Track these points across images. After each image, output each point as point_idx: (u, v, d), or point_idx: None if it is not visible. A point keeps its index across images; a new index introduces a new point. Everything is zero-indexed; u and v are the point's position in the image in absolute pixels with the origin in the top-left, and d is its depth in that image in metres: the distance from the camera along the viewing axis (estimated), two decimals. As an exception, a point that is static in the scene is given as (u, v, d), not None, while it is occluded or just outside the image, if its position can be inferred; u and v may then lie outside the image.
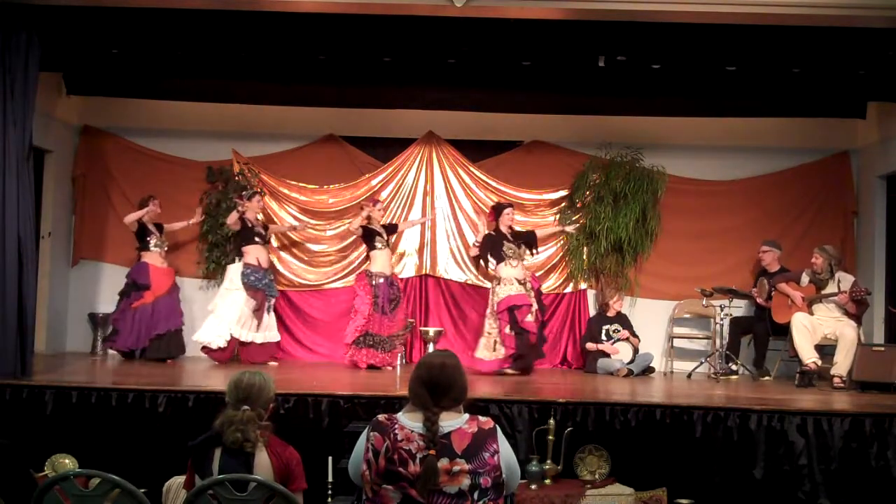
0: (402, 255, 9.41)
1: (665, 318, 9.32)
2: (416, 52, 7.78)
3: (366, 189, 9.41)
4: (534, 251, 8.76)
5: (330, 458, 4.83)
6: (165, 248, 8.90)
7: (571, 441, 5.69)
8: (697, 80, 8.27)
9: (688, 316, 9.35)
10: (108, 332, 8.73)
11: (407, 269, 9.40)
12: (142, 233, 8.74)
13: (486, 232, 8.59)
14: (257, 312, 8.48)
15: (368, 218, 8.73)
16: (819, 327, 7.70)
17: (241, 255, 8.68)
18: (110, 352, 9.11)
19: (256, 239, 8.63)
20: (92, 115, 9.45)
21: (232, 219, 8.56)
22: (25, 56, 6.60)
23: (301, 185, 9.45)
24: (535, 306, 8.25)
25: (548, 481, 5.56)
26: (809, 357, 7.56)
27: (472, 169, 9.43)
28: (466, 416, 2.98)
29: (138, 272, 8.65)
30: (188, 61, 8.19)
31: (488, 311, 8.35)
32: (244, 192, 8.86)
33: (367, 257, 8.83)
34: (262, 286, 8.53)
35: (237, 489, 3.28)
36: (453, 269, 9.40)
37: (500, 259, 8.32)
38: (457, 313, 9.33)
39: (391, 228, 8.96)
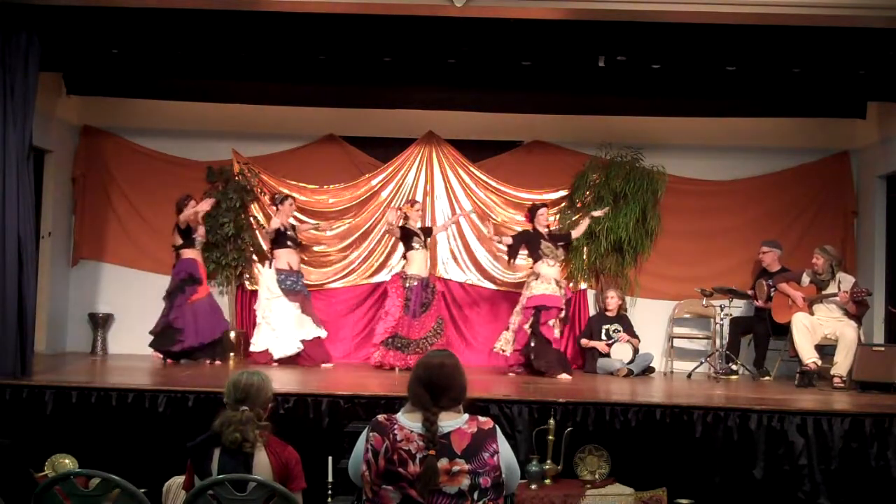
0: (402, 256, 9.40)
1: (665, 318, 9.32)
2: (416, 52, 7.77)
3: (366, 189, 9.41)
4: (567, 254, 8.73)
5: (330, 458, 4.83)
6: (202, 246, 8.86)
7: (571, 441, 5.69)
8: (697, 80, 8.26)
9: (688, 316, 9.36)
10: (164, 333, 8.42)
11: (407, 269, 9.40)
12: (187, 230, 8.65)
13: (522, 229, 8.62)
14: (308, 311, 8.49)
15: (406, 218, 8.70)
16: (819, 327, 7.70)
17: (261, 259, 8.74)
18: (109, 352, 9.13)
19: (289, 243, 8.59)
20: (92, 115, 9.45)
21: (274, 225, 8.53)
22: (25, 56, 6.60)
23: (301, 185, 9.45)
24: (563, 313, 8.20)
25: (548, 481, 5.56)
26: (809, 357, 7.56)
27: (472, 169, 9.43)
28: (466, 416, 2.98)
29: (191, 266, 8.49)
30: (188, 61, 8.18)
31: (518, 306, 8.29)
32: (275, 197, 8.83)
33: (404, 257, 8.76)
34: (300, 288, 8.51)
35: (237, 489, 3.28)
36: (453, 269, 9.40)
37: (537, 257, 8.26)
38: (457, 313, 9.33)
39: (426, 231, 8.87)
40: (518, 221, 9.00)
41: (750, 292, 8.62)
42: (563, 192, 9.35)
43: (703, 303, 8.45)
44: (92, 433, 5.93)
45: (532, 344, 8.00)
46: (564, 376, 7.82)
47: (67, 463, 5.27)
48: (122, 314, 9.32)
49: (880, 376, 7.27)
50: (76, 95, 9.23)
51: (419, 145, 9.47)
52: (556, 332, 8.08)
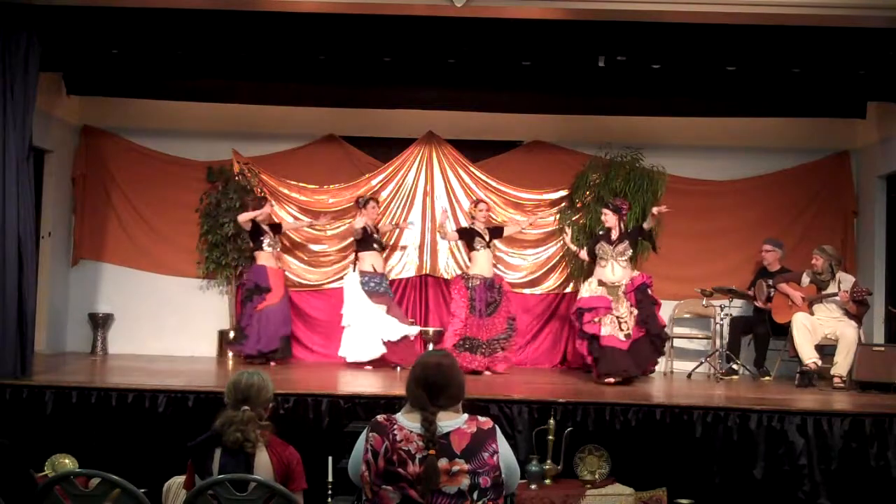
0: (401, 256, 9.41)
1: (665, 318, 9.28)
2: (416, 52, 7.78)
3: (366, 189, 9.40)
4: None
5: (330, 458, 4.83)
6: (278, 249, 8.85)
7: (571, 441, 5.69)
8: (697, 80, 8.27)
9: (688, 316, 9.35)
10: (237, 333, 8.55)
11: (407, 270, 9.40)
12: (255, 232, 8.67)
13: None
14: (393, 311, 8.46)
15: (473, 218, 8.67)
16: (819, 327, 7.70)
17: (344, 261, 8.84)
18: (109, 352, 9.14)
19: (374, 245, 8.58)
20: (92, 115, 9.45)
21: (358, 225, 8.55)
22: (25, 56, 6.60)
23: (301, 185, 9.45)
24: (622, 311, 7.68)
25: (548, 481, 5.56)
26: (809, 357, 7.56)
27: (472, 169, 9.43)
28: (465, 416, 2.98)
29: (258, 275, 8.55)
30: (188, 61, 8.18)
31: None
32: (359, 200, 8.82)
33: (470, 258, 8.68)
34: (383, 290, 8.50)
35: (237, 489, 3.28)
36: (453, 268, 9.39)
37: (592, 257, 8.18)
38: (457, 313, 9.32)
39: (494, 232, 8.76)
40: (519, 222, 8.97)
41: (749, 292, 8.61)
42: (563, 192, 9.34)
43: (703, 303, 8.45)
44: (92, 433, 5.93)
45: (592, 348, 7.71)
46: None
47: (67, 463, 5.27)
48: (122, 314, 9.32)
49: (880, 376, 7.28)
50: (76, 95, 9.23)
51: (419, 145, 9.47)
52: (598, 319, 7.61)
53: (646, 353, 7.68)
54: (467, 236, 8.60)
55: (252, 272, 8.65)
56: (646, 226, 8.15)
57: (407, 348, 8.39)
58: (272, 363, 8.40)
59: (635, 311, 7.69)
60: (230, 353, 8.73)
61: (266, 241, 8.67)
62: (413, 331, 8.51)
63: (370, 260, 8.55)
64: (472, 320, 8.23)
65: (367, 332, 8.30)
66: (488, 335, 8.24)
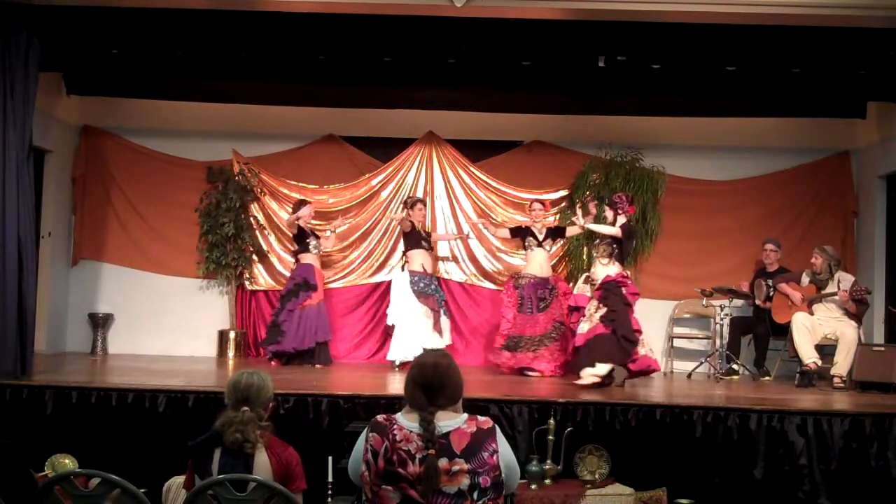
0: (402, 255, 9.41)
1: (665, 318, 9.32)
2: (416, 51, 7.77)
3: (366, 189, 9.41)
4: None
5: (330, 458, 4.82)
6: (320, 252, 8.84)
7: (571, 441, 5.69)
8: (697, 80, 8.26)
9: (688, 316, 9.36)
10: (271, 331, 8.50)
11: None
12: (301, 235, 8.67)
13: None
14: (434, 315, 8.40)
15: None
16: (819, 327, 7.70)
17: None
18: (109, 352, 9.14)
19: (423, 244, 8.55)
20: (92, 115, 9.45)
21: (405, 226, 8.56)
22: (25, 56, 6.60)
23: (301, 185, 9.45)
24: (591, 308, 7.43)
25: (548, 481, 5.56)
26: (809, 357, 7.56)
27: (472, 169, 9.43)
28: (465, 415, 2.98)
29: (307, 272, 8.54)
30: (188, 61, 8.18)
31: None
32: (407, 200, 8.82)
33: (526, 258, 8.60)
34: (432, 291, 8.44)
35: (237, 489, 3.28)
36: (453, 269, 9.39)
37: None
38: (457, 313, 9.31)
39: (557, 231, 8.65)
40: (519, 222, 8.96)
41: (745, 290, 8.60)
42: (563, 192, 9.34)
43: (703, 303, 8.45)
44: (92, 433, 5.93)
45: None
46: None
47: (67, 463, 5.27)
48: (122, 314, 9.32)
49: (880, 376, 7.28)
50: (76, 95, 9.23)
51: (419, 145, 9.47)
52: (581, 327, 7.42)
53: (605, 350, 7.18)
54: (520, 235, 8.51)
55: (300, 269, 8.63)
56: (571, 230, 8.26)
57: None
58: (317, 366, 8.33)
59: (602, 309, 7.33)
60: (267, 355, 8.53)
61: (312, 243, 8.67)
62: (446, 341, 8.44)
63: (420, 259, 8.51)
64: (521, 318, 8.12)
65: (414, 333, 8.24)
66: (532, 331, 8.07)
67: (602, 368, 7.12)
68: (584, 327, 7.35)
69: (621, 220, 7.59)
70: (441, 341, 8.34)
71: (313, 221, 9.34)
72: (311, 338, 8.39)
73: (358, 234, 9.41)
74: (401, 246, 9.25)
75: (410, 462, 2.85)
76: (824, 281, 7.87)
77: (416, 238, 8.58)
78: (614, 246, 7.54)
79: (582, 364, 7.23)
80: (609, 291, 7.34)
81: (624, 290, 7.35)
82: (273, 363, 8.31)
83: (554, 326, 8.13)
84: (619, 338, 7.14)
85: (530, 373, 7.98)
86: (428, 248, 8.66)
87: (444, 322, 8.50)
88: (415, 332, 8.24)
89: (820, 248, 7.96)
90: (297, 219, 8.62)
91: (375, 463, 2.88)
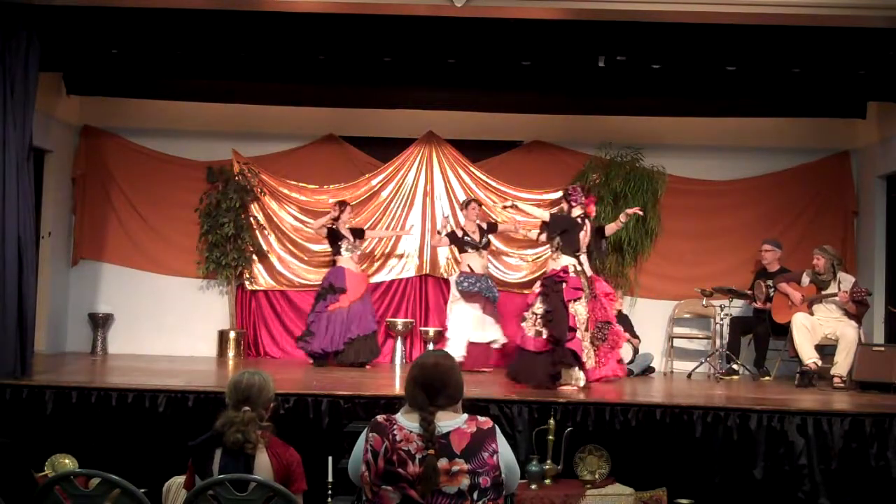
0: (401, 256, 9.41)
1: (665, 318, 9.32)
2: (416, 52, 7.77)
3: (366, 189, 9.41)
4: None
5: (330, 458, 4.82)
6: (359, 253, 8.81)
7: (571, 441, 5.69)
8: (697, 80, 8.26)
9: (688, 316, 9.35)
10: (305, 333, 8.53)
11: (407, 270, 9.40)
12: (333, 238, 8.67)
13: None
14: (488, 312, 8.42)
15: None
16: (819, 327, 7.70)
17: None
18: (109, 352, 9.14)
19: (468, 248, 8.53)
20: (92, 115, 9.45)
21: (444, 242, 8.68)
22: (25, 56, 6.60)
23: (301, 185, 9.46)
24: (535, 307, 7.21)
25: (548, 481, 5.55)
26: (809, 357, 7.56)
27: (472, 169, 9.43)
28: (465, 415, 2.98)
29: (335, 275, 8.56)
30: (188, 61, 8.18)
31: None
32: (463, 202, 8.83)
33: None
34: (478, 289, 8.39)
35: (237, 489, 3.28)
36: (454, 269, 9.38)
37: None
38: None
39: (490, 227, 8.70)
40: (519, 222, 8.94)
41: (748, 292, 8.61)
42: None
43: (703, 303, 8.45)
44: (92, 433, 5.93)
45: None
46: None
47: (67, 463, 5.26)
48: (122, 314, 9.32)
49: (880, 376, 7.27)
50: (76, 95, 9.24)
51: (419, 145, 9.47)
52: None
53: (530, 372, 6.86)
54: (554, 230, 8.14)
55: (330, 272, 8.66)
56: (609, 228, 7.89)
57: (482, 353, 8.34)
58: (367, 367, 8.37)
59: (542, 307, 7.03)
60: (307, 356, 8.54)
61: (344, 245, 8.65)
62: (500, 339, 8.44)
63: (468, 260, 8.54)
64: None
65: (455, 331, 8.29)
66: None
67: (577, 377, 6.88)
68: (525, 326, 7.10)
69: (576, 212, 7.36)
70: (487, 334, 8.35)
71: (312, 220, 9.36)
72: (339, 340, 8.35)
73: (358, 234, 9.41)
74: (400, 247, 9.26)
75: (410, 462, 2.85)
76: (826, 281, 7.86)
77: (459, 242, 8.62)
78: (555, 238, 7.24)
79: (511, 373, 7.05)
80: (548, 288, 7.04)
81: (564, 286, 6.95)
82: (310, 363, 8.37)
83: (598, 327, 7.43)
84: (555, 354, 6.81)
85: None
86: (475, 250, 8.57)
87: (490, 319, 8.45)
88: (462, 330, 8.25)
89: (821, 249, 7.95)
90: (324, 223, 8.63)
91: (375, 463, 2.88)
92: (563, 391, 6.69)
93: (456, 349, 8.10)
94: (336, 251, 8.69)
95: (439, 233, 8.83)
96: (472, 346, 8.29)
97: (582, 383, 6.88)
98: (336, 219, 8.68)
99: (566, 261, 7.12)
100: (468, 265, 8.52)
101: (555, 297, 6.94)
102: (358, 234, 8.86)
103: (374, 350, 8.64)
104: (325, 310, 8.42)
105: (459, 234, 8.64)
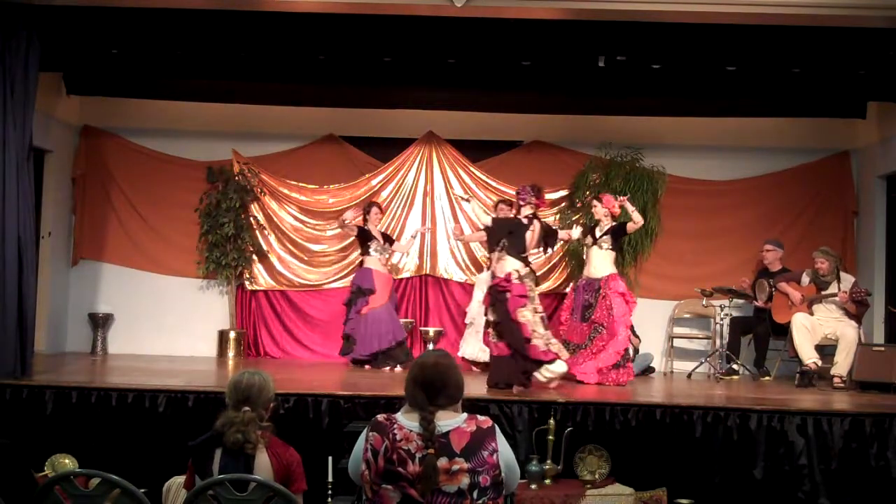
0: (402, 256, 9.41)
1: (665, 318, 9.32)
2: (416, 52, 7.77)
3: (366, 189, 9.41)
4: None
5: (330, 458, 4.82)
6: (387, 255, 8.74)
7: (571, 441, 5.69)
8: (697, 80, 8.26)
9: (688, 316, 9.36)
10: (346, 340, 8.43)
11: (406, 269, 9.40)
12: (363, 238, 8.62)
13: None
14: None
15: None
16: (819, 327, 7.70)
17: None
18: (109, 352, 9.15)
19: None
20: (92, 115, 9.45)
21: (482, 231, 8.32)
22: (25, 56, 6.60)
23: (301, 185, 9.46)
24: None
25: (548, 481, 5.55)
26: (809, 357, 7.56)
27: (472, 169, 9.43)
28: (465, 415, 2.98)
29: (362, 277, 8.49)
30: (188, 61, 8.18)
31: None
32: (498, 204, 8.71)
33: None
34: None
35: (237, 489, 3.28)
36: (453, 268, 9.40)
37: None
38: (457, 313, 9.31)
39: (618, 230, 7.89)
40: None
41: (748, 290, 8.60)
42: (563, 192, 9.34)
43: (703, 303, 8.45)
44: (92, 433, 5.93)
45: None
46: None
47: (67, 463, 5.26)
48: (122, 314, 9.32)
49: (880, 376, 7.28)
50: (76, 95, 9.24)
51: (419, 145, 9.47)
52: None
53: (506, 373, 6.73)
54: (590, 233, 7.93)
55: (357, 275, 8.62)
56: (630, 227, 7.76)
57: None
58: (388, 369, 8.23)
59: (492, 317, 6.91)
60: (350, 362, 8.44)
61: (373, 246, 8.58)
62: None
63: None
64: (571, 324, 7.74)
65: (481, 332, 8.07)
66: (578, 339, 7.62)
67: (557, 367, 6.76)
68: (489, 332, 6.99)
69: (525, 211, 7.20)
70: None
71: (312, 220, 9.37)
72: (381, 340, 8.27)
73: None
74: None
75: (410, 461, 2.85)
76: (828, 283, 7.86)
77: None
78: (500, 239, 7.06)
79: (490, 381, 6.81)
80: (494, 297, 6.87)
81: (508, 296, 6.72)
82: (366, 367, 8.29)
83: (591, 332, 7.48)
84: (518, 358, 6.67)
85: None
86: None
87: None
88: (482, 330, 7.95)
89: (822, 252, 7.93)
90: (344, 224, 8.53)
91: (375, 462, 2.88)
92: (544, 386, 6.68)
93: (480, 347, 8.03)
94: (365, 251, 8.63)
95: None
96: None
97: (560, 370, 6.74)
98: (364, 219, 8.59)
99: (511, 266, 6.89)
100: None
101: (500, 307, 6.76)
102: (387, 238, 8.81)
103: (408, 354, 8.43)
104: (359, 314, 8.34)
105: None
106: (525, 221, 7.18)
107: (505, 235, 7.05)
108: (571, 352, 7.48)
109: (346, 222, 8.57)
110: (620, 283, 7.62)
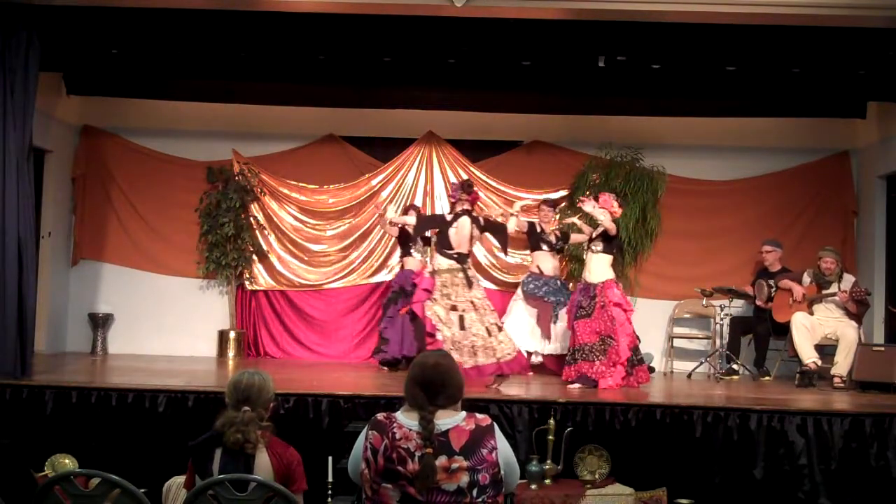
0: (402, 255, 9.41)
1: (665, 318, 9.31)
2: (416, 52, 7.78)
3: (366, 189, 9.42)
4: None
5: (330, 458, 4.83)
6: (428, 257, 8.61)
7: (571, 441, 5.69)
8: (697, 80, 8.26)
9: (688, 316, 9.35)
10: (379, 341, 8.36)
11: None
12: (403, 238, 8.58)
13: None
14: (541, 322, 8.08)
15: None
16: (819, 327, 7.70)
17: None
18: (109, 352, 9.15)
19: (543, 247, 8.26)
20: (92, 115, 9.45)
21: (521, 226, 8.23)
22: (25, 56, 6.60)
23: (301, 185, 9.46)
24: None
25: (548, 481, 5.55)
26: (809, 357, 7.56)
27: (472, 169, 9.43)
28: (464, 413, 2.99)
29: (404, 278, 8.43)
30: (188, 61, 8.18)
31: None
32: (539, 202, 8.70)
33: None
34: (542, 294, 8.12)
35: (237, 489, 3.28)
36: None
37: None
38: (457, 313, 9.30)
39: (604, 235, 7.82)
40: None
41: (749, 290, 8.60)
42: (563, 192, 9.34)
43: (703, 303, 8.45)
44: (92, 433, 5.93)
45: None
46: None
47: (67, 463, 5.26)
48: (122, 314, 9.32)
49: (880, 376, 7.28)
50: (76, 95, 9.23)
51: (419, 145, 9.48)
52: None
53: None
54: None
55: (399, 276, 8.59)
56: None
57: (558, 362, 7.84)
58: None
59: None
60: (379, 364, 8.35)
61: (414, 247, 8.56)
62: (540, 354, 8.11)
63: (538, 261, 8.30)
64: (580, 324, 7.29)
65: (514, 334, 7.70)
66: (574, 342, 7.34)
67: None
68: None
69: (459, 208, 7.18)
70: (545, 346, 8.07)
71: (312, 220, 9.37)
72: (411, 345, 8.11)
73: (358, 234, 9.41)
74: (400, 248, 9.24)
75: (410, 460, 2.85)
76: (830, 282, 7.86)
77: (536, 238, 8.35)
78: (420, 235, 7.37)
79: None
80: (410, 290, 7.20)
81: (416, 289, 7.01)
82: (386, 370, 8.20)
83: (601, 339, 7.22)
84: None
85: (574, 386, 7.11)
86: (550, 250, 8.34)
87: (555, 328, 8.08)
88: (515, 333, 7.76)
89: (829, 251, 7.92)
90: (387, 223, 8.50)
91: (375, 461, 2.88)
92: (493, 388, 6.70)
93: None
94: (405, 252, 8.60)
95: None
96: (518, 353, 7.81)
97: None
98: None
99: (437, 261, 7.06)
100: (538, 266, 8.27)
101: (409, 299, 7.00)
102: (427, 240, 8.70)
103: None
104: (397, 314, 8.27)
105: (538, 228, 8.31)
106: (449, 218, 7.21)
107: (427, 231, 7.36)
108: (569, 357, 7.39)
109: (390, 222, 8.49)
110: (616, 291, 7.39)
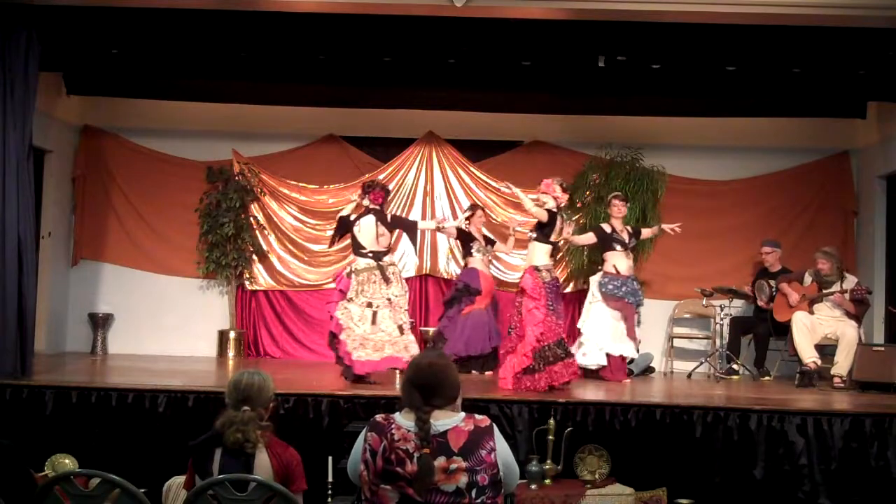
0: (402, 256, 9.40)
1: (665, 318, 9.32)
2: (416, 52, 7.78)
3: (367, 189, 9.41)
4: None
5: (330, 458, 4.83)
6: (489, 257, 8.67)
7: (571, 441, 5.69)
8: (697, 80, 8.26)
9: (688, 316, 9.35)
10: (438, 339, 8.29)
11: (407, 269, 9.38)
12: (464, 239, 8.54)
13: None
14: (627, 324, 7.85)
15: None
16: (819, 327, 7.70)
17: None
18: (109, 352, 9.14)
19: (616, 247, 8.02)
20: (92, 115, 9.45)
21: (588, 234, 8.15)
22: (25, 56, 6.61)
23: (301, 185, 9.46)
24: None
25: (548, 481, 5.56)
26: (809, 357, 7.56)
27: (472, 169, 9.43)
28: (463, 414, 2.98)
29: (469, 277, 8.36)
30: (188, 61, 8.18)
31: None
32: (610, 197, 8.54)
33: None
34: (622, 294, 7.85)
35: (237, 489, 3.28)
36: (454, 269, 9.39)
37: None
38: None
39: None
40: (520, 222, 8.88)
41: (747, 289, 8.59)
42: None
43: (703, 303, 8.45)
44: (92, 433, 5.93)
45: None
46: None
47: (67, 463, 5.27)
48: (122, 314, 9.32)
49: (880, 376, 7.27)
50: (76, 95, 9.23)
51: (419, 145, 9.48)
52: None
53: None
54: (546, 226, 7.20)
55: (464, 274, 8.51)
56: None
57: (618, 364, 7.75)
58: (474, 372, 8.08)
59: None
60: None
61: (475, 247, 8.49)
62: (632, 352, 7.89)
63: (612, 261, 7.99)
64: (551, 321, 6.83)
65: (592, 336, 7.79)
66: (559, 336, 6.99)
67: None
68: None
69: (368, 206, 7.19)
70: (631, 349, 7.88)
71: (312, 220, 9.37)
72: (478, 343, 8.10)
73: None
74: (400, 247, 9.23)
75: (409, 461, 2.85)
76: (831, 283, 7.85)
77: (609, 239, 8.06)
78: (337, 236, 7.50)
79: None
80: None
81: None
82: None
83: (508, 329, 7.20)
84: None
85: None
86: (623, 250, 8.02)
87: (639, 330, 8.02)
88: (600, 336, 7.69)
89: (823, 252, 7.92)
90: (459, 225, 8.42)
91: (374, 462, 2.88)
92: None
93: (593, 357, 7.69)
94: (467, 252, 8.54)
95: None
96: (612, 358, 7.73)
97: (349, 378, 6.82)
98: (469, 220, 8.44)
99: (355, 263, 7.15)
100: (613, 265, 7.96)
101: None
102: (489, 240, 8.70)
103: (495, 357, 8.18)
104: (459, 314, 8.23)
105: (608, 229, 8.03)
106: (352, 218, 7.26)
107: (339, 236, 7.46)
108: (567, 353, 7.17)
109: (444, 228, 8.43)
110: (529, 278, 6.89)
